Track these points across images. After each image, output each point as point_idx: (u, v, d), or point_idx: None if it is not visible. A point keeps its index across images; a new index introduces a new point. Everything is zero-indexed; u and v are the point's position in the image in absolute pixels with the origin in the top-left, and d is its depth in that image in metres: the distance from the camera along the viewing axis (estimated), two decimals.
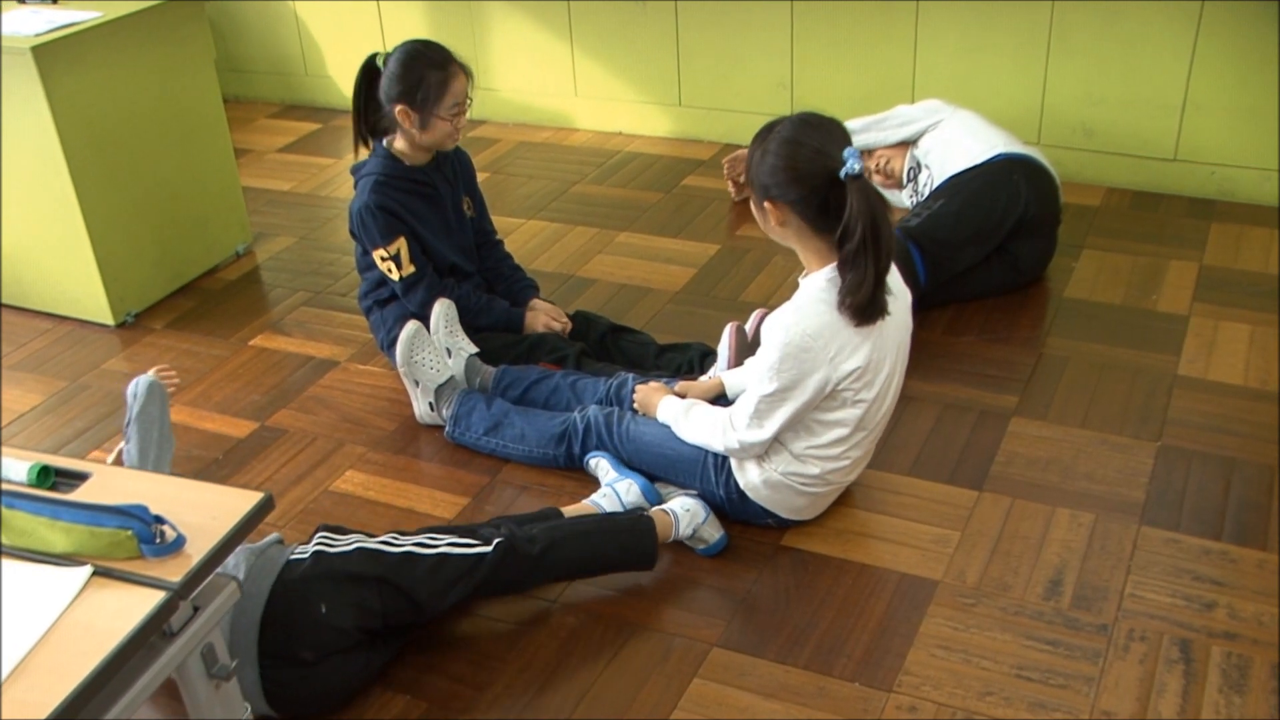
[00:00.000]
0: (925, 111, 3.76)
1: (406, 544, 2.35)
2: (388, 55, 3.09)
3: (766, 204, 2.42)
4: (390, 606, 2.29)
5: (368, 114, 3.16)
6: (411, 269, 3.15)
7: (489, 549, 2.37)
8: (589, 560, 2.51)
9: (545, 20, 4.89)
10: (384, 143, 3.17)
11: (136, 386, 2.61)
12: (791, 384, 2.43)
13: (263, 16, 5.45)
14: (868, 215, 2.29)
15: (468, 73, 3.09)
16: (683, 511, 2.59)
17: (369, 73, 3.13)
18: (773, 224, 2.45)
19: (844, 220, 2.31)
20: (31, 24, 3.47)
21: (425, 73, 3.02)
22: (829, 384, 2.43)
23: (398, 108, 3.06)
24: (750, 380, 2.54)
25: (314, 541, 2.35)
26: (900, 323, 2.52)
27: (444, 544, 2.37)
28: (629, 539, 2.53)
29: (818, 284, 2.42)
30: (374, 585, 2.27)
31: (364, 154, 3.27)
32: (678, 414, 2.71)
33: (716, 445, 2.61)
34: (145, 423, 2.56)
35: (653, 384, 2.86)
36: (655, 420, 2.78)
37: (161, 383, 2.64)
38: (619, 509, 2.65)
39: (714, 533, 2.61)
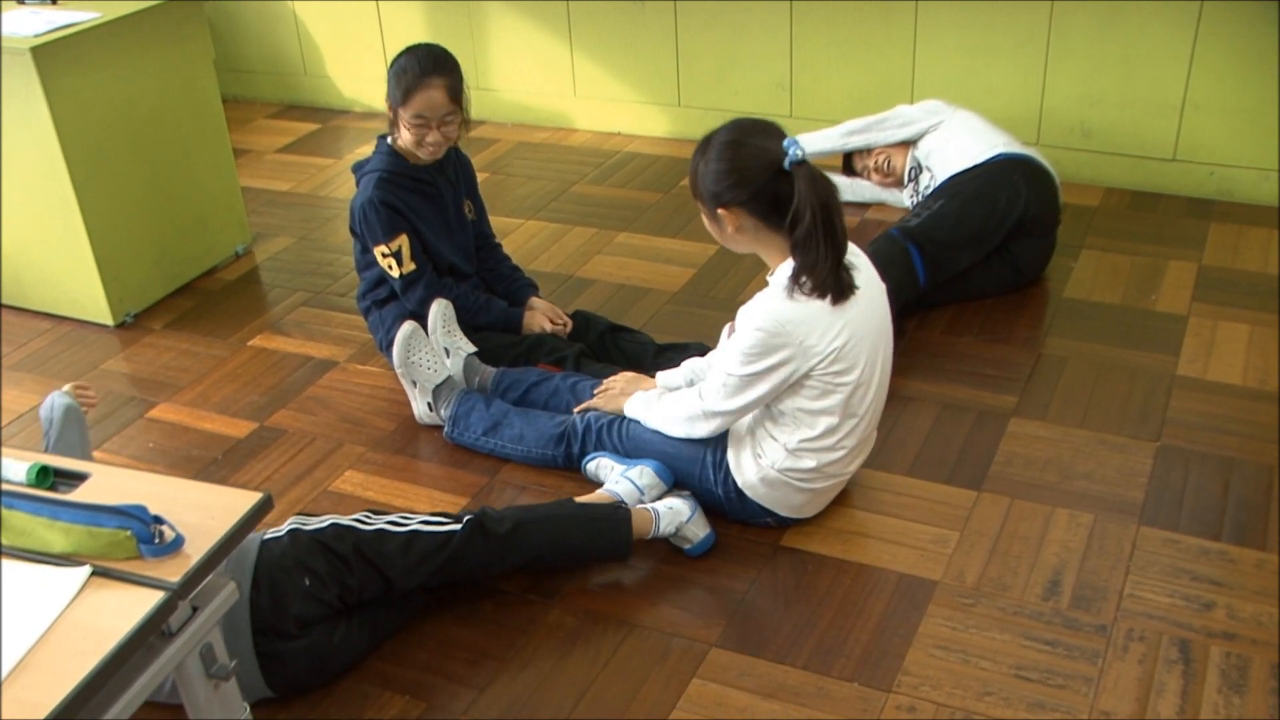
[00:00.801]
0: (925, 112, 3.77)
1: (379, 522, 2.40)
2: None
3: (720, 211, 2.45)
4: (363, 580, 2.34)
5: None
6: (412, 266, 3.16)
7: (458, 526, 2.42)
8: (560, 544, 2.53)
9: (544, 20, 4.89)
10: (388, 140, 3.17)
11: (51, 411, 2.55)
12: (761, 370, 2.46)
13: (262, 17, 5.45)
14: (816, 198, 2.35)
15: (453, 94, 3.05)
16: (665, 509, 2.60)
17: None
18: (729, 231, 2.48)
19: (794, 207, 2.35)
20: (31, 24, 3.47)
21: (405, 76, 3.03)
22: (799, 371, 2.45)
23: (387, 101, 3.09)
24: (721, 359, 2.56)
25: (288, 523, 2.38)
26: (875, 307, 2.53)
27: (415, 522, 2.42)
28: (602, 526, 2.55)
29: (786, 273, 2.45)
30: (348, 559, 2.32)
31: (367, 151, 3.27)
32: (649, 401, 2.76)
33: (682, 414, 2.65)
34: (63, 451, 2.50)
35: (599, 396, 2.91)
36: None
37: (78, 404, 2.60)
38: (637, 494, 2.66)
39: (698, 532, 2.62)
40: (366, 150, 3.28)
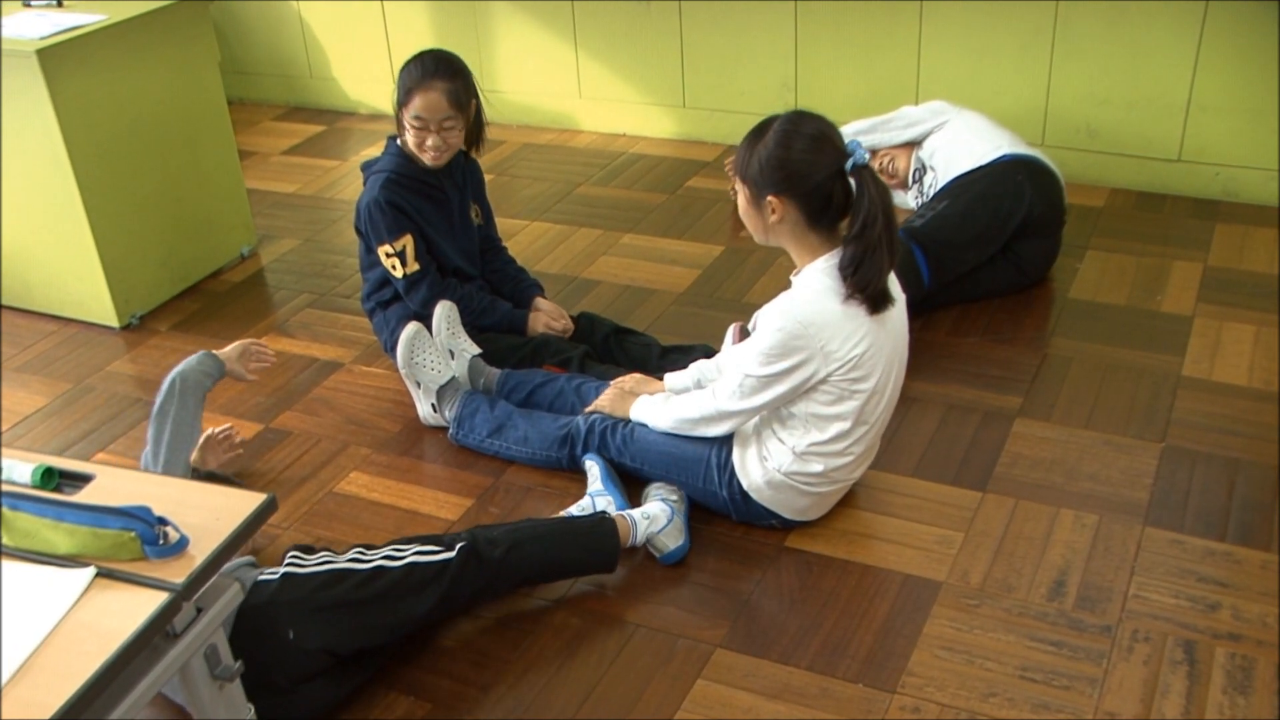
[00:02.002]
0: (930, 113, 3.76)
1: (375, 558, 2.33)
2: None
3: (771, 199, 2.42)
4: (362, 626, 2.26)
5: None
6: (416, 267, 3.16)
7: (452, 554, 2.35)
8: (552, 561, 2.50)
9: (550, 22, 4.89)
10: (398, 141, 3.18)
11: (163, 382, 2.67)
12: (780, 371, 2.44)
13: (267, 19, 5.46)
14: (883, 203, 2.33)
15: (453, 99, 3.05)
16: (641, 518, 2.59)
17: None
18: (770, 220, 2.45)
19: (864, 212, 2.33)
20: (37, 27, 3.48)
21: (408, 77, 3.06)
22: (817, 375, 2.44)
23: (394, 104, 3.12)
24: (739, 358, 2.54)
25: (284, 563, 2.32)
26: (897, 316, 2.53)
27: (411, 553, 2.34)
28: (590, 540, 2.53)
29: (813, 274, 2.44)
30: (343, 608, 2.25)
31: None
32: (655, 404, 2.74)
33: (693, 414, 2.63)
34: (160, 421, 2.61)
35: (611, 393, 2.88)
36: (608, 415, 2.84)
37: (190, 376, 2.69)
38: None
39: (669, 542, 2.60)
40: (372, 151, 3.31)
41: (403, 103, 3.06)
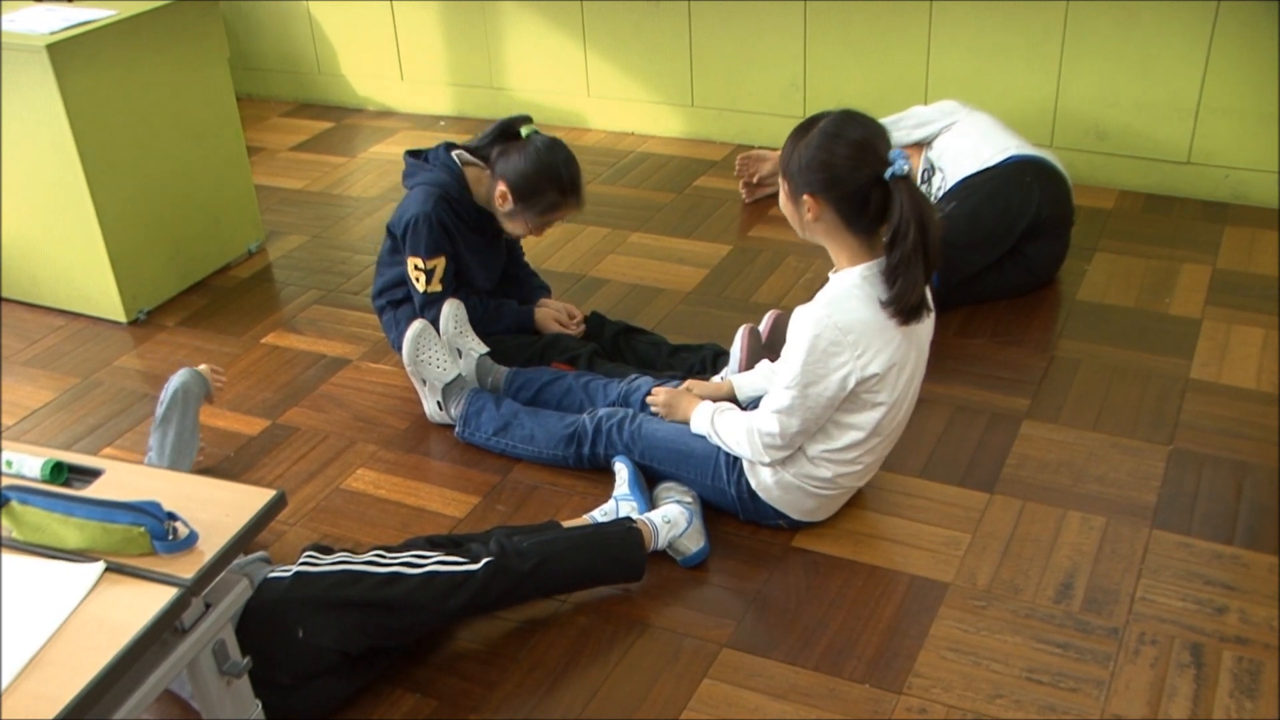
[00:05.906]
0: (941, 113, 3.75)
1: (394, 563, 2.30)
2: (533, 132, 3.08)
3: (806, 198, 2.40)
4: (374, 628, 2.25)
5: (478, 148, 3.17)
6: (438, 288, 3.14)
7: (477, 568, 2.33)
8: (581, 573, 2.49)
9: (558, 20, 4.89)
10: (457, 159, 3.15)
11: (164, 391, 2.76)
12: (817, 378, 2.41)
13: (276, 15, 5.46)
14: (918, 216, 2.31)
15: (580, 205, 3.14)
16: (662, 523, 2.58)
17: (506, 132, 3.12)
18: (807, 218, 2.43)
19: (895, 223, 2.31)
20: (46, 22, 3.48)
21: (547, 187, 3.05)
22: (851, 381, 2.41)
23: (502, 186, 3.07)
24: (775, 377, 2.52)
25: (298, 561, 2.31)
26: (925, 330, 2.53)
27: (432, 562, 2.32)
28: (619, 552, 2.51)
29: (851, 279, 2.42)
30: (356, 609, 2.23)
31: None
32: (713, 419, 2.65)
33: (745, 451, 2.57)
34: (163, 429, 2.68)
35: (674, 389, 2.81)
36: (663, 419, 2.77)
37: (190, 387, 2.80)
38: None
39: (691, 545, 2.59)
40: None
41: (538, 211, 3.08)
